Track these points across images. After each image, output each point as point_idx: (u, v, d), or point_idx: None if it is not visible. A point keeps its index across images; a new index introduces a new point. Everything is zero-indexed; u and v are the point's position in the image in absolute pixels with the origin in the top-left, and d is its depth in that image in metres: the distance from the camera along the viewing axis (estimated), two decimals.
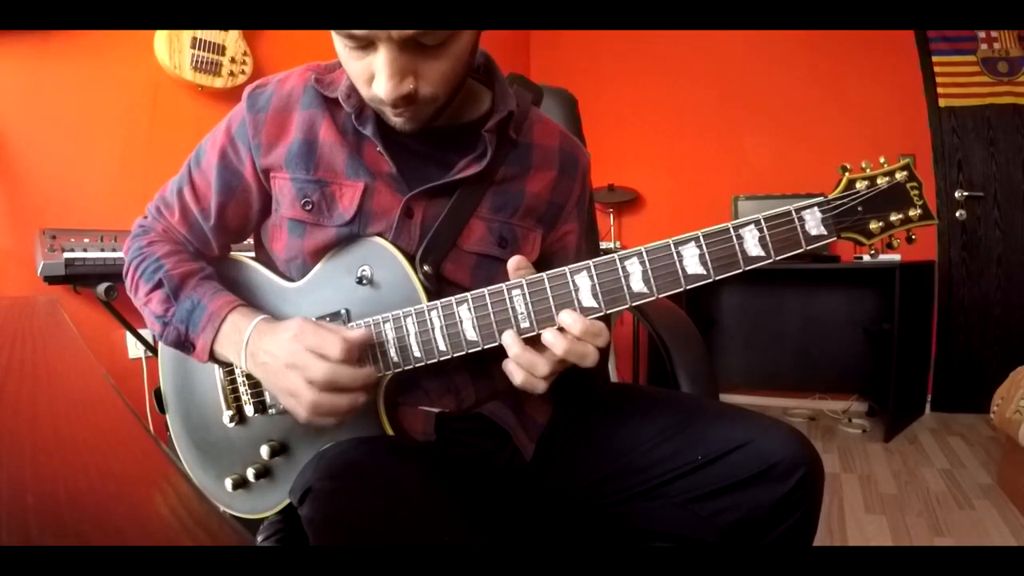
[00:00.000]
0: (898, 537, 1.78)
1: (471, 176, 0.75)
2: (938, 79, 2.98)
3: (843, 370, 3.09)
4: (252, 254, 0.88)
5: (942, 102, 2.99)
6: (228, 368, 0.81)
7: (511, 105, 0.77)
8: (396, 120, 0.70)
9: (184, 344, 0.75)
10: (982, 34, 2.92)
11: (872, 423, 2.86)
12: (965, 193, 2.97)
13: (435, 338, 0.69)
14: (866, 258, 2.72)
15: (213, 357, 0.75)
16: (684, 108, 3.43)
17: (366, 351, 0.71)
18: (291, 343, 0.66)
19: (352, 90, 0.73)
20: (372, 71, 0.65)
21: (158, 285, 0.76)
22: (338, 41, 0.66)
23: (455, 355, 0.70)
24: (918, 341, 2.88)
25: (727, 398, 3.30)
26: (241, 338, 0.71)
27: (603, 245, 2.93)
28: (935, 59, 2.98)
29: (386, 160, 0.74)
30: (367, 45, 0.63)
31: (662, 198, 3.48)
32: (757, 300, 3.27)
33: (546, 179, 0.82)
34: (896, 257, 2.61)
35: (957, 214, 2.99)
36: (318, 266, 0.77)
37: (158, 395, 0.90)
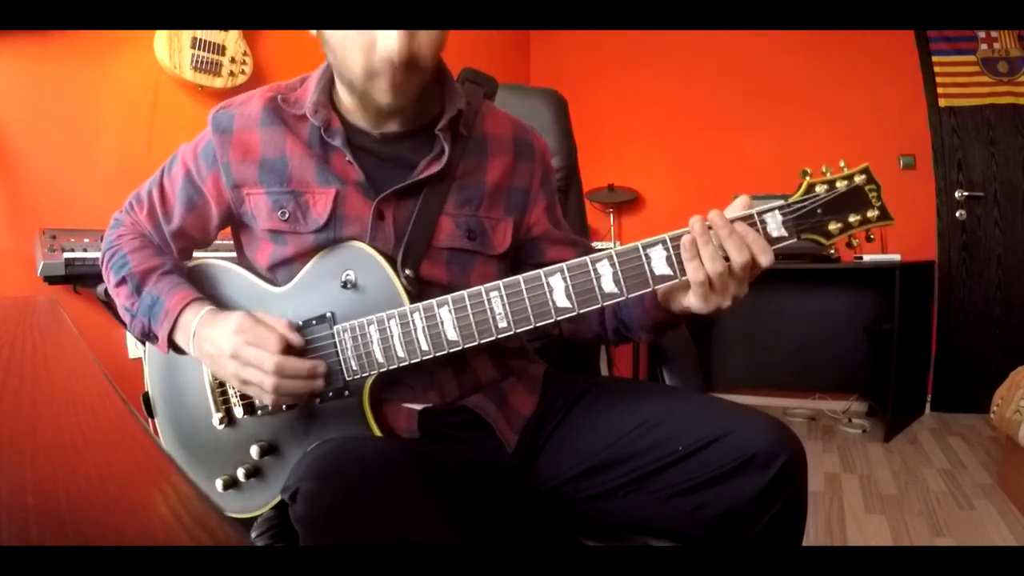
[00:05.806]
0: (898, 537, 1.78)
1: (433, 175, 0.79)
2: (938, 79, 2.98)
3: (843, 370, 3.08)
4: (235, 256, 0.89)
5: (942, 102, 2.99)
6: None
7: (460, 103, 0.80)
8: (384, 94, 0.71)
9: (149, 335, 0.81)
10: (982, 34, 2.92)
11: (872, 423, 2.86)
12: (965, 193, 2.97)
13: (418, 338, 0.72)
14: (866, 258, 2.75)
15: (174, 347, 0.79)
16: (684, 108, 3.42)
17: (304, 350, 0.75)
18: (232, 337, 0.71)
19: (319, 105, 0.77)
20: (374, 37, 0.67)
21: (123, 281, 0.81)
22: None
23: (437, 354, 0.72)
24: (918, 341, 2.88)
25: (728, 398, 3.30)
26: (189, 329, 0.76)
27: (604, 245, 2.91)
28: (935, 59, 2.98)
29: (355, 168, 0.77)
30: None
31: (662, 198, 3.48)
32: (757, 300, 3.24)
33: (503, 165, 0.85)
34: (896, 257, 2.61)
35: (957, 214, 2.99)
36: (303, 271, 0.79)
37: (146, 400, 0.90)
